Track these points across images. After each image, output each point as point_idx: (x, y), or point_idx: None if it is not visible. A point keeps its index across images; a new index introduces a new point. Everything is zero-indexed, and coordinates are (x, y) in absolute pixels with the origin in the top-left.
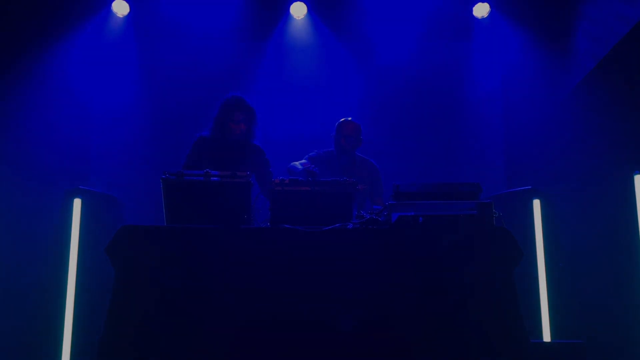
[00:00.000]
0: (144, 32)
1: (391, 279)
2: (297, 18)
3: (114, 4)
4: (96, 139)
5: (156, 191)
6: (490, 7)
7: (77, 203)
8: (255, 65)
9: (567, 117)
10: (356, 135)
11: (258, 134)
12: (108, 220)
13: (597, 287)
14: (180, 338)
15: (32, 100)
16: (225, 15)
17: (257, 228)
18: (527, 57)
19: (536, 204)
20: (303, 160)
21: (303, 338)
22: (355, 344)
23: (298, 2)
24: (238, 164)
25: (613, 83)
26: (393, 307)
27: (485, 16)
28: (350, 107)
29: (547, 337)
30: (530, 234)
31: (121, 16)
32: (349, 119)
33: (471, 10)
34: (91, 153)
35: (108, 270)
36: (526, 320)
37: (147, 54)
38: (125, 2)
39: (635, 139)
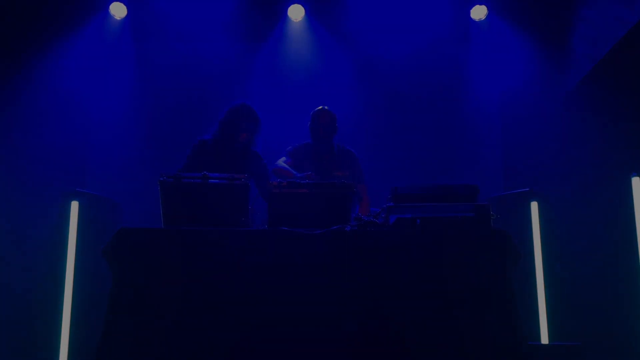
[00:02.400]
0: (141, 35)
1: (389, 280)
2: (294, 20)
3: (111, 7)
4: (94, 142)
5: (154, 194)
6: (488, 9)
7: (74, 206)
8: (252, 67)
9: (564, 119)
10: (332, 123)
11: (258, 141)
12: (105, 222)
13: (595, 289)
14: (178, 341)
15: (29, 103)
16: (222, 18)
17: (255, 230)
18: (525, 59)
19: (534, 206)
20: (284, 158)
21: (302, 340)
22: (354, 345)
23: (295, 5)
24: (237, 170)
25: (611, 85)
26: (391, 308)
27: (483, 18)
28: (347, 108)
29: (544, 339)
30: (528, 235)
31: (119, 18)
32: (325, 107)
33: (469, 13)
34: (89, 155)
35: (105, 272)
36: (524, 323)
37: (144, 56)
38: (122, 5)
39: (633, 141)
